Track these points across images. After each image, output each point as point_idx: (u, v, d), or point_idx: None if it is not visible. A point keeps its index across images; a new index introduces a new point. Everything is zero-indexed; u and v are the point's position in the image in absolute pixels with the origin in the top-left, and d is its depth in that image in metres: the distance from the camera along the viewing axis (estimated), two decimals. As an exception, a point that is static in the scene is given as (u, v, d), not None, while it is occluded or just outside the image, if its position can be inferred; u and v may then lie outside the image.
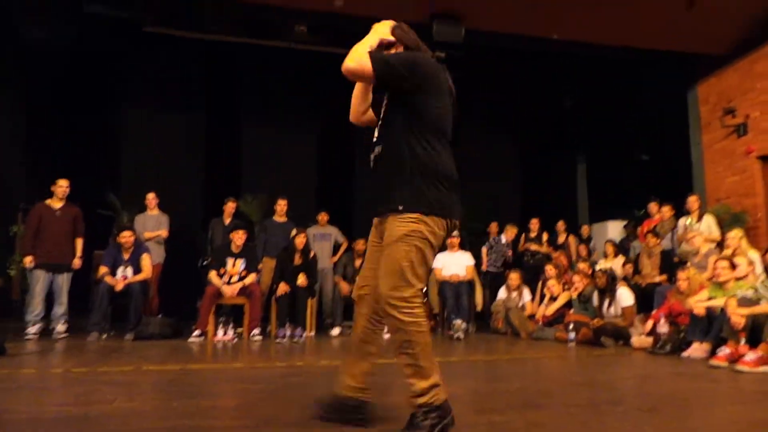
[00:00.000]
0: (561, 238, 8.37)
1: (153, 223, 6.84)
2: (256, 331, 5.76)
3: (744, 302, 4.10)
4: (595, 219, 9.68)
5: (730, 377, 3.47)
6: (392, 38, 2.12)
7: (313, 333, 6.36)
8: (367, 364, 2.19)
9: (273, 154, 9.38)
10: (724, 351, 3.94)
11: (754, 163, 7.25)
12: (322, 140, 9.84)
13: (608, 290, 5.84)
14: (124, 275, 5.85)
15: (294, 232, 6.47)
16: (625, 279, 6.56)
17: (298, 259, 6.29)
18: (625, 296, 5.73)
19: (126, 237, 5.96)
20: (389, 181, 2.04)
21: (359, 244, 6.95)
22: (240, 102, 9.39)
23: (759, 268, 5.41)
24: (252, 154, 9.52)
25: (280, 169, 9.13)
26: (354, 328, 2.24)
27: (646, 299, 6.15)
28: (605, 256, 7.39)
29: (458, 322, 6.21)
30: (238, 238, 6.07)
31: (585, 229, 8.81)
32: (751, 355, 3.66)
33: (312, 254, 6.52)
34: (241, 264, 6.04)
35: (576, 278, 6.36)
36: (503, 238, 8.15)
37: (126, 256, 5.96)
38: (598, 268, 6.60)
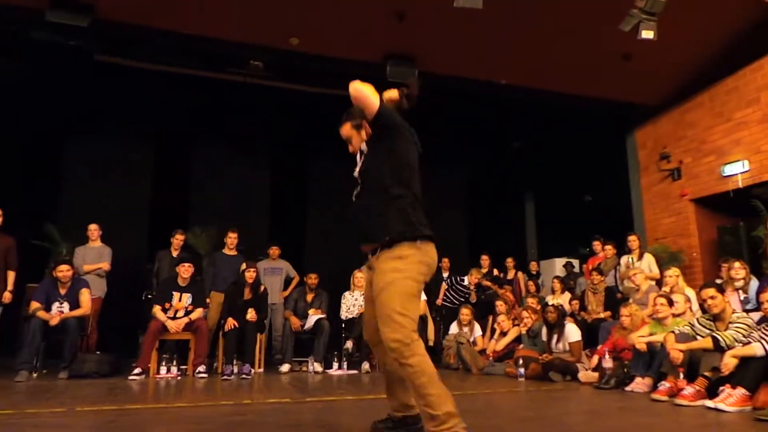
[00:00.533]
0: (510, 274, 8.56)
1: (94, 255, 6.55)
2: (202, 368, 5.54)
3: (682, 338, 4.27)
4: (543, 256, 9.96)
5: (670, 411, 3.59)
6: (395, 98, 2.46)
7: (261, 369, 6.18)
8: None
9: (223, 185, 9.23)
10: (665, 385, 4.08)
11: (688, 205, 7.71)
12: (275, 173, 9.77)
13: (557, 325, 5.97)
14: (59, 311, 5.53)
15: (244, 266, 6.35)
16: (572, 315, 6.73)
17: (247, 294, 6.16)
18: (573, 332, 5.86)
19: (63, 271, 5.64)
20: (372, 213, 2.34)
21: (311, 279, 6.87)
22: (190, 131, 9.23)
23: (695, 305, 5.68)
24: (201, 184, 9.33)
25: (231, 201, 8.98)
26: (381, 363, 2.56)
27: (591, 334, 6.33)
28: (553, 291, 7.58)
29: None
30: (184, 271, 5.90)
31: (533, 266, 9.02)
32: (689, 389, 3.80)
33: (262, 288, 6.41)
34: (187, 298, 5.85)
35: (525, 314, 6.48)
36: (466, 280, 8.16)
37: (63, 291, 5.64)
38: (549, 303, 6.75)
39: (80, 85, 7.68)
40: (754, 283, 5.51)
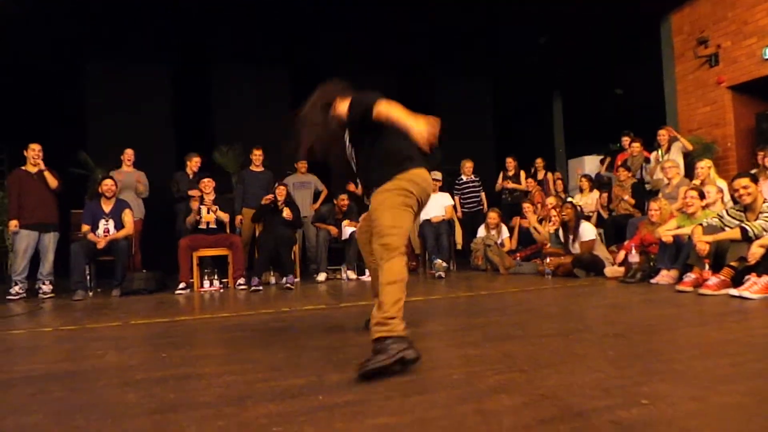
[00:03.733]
0: (540, 175, 8.51)
1: (129, 179, 6.76)
2: (242, 280, 5.85)
3: (709, 230, 4.27)
4: (572, 155, 9.79)
5: (694, 301, 3.68)
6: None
7: (298, 279, 6.49)
8: None
9: (245, 102, 9.19)
10: (690, 277, 4.15)
11: (725, 93, 7.33)
12: (296, 81, 9.62)
13: (573, 225, 5.94)
14: (105, 228, 5.82)
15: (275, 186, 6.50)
16: (605, 208, 6.75)
17: (283, 211, 6.31)
18: (587, 231, 5.84)
19: (108, 185, 5.91)
20: (366, 170, 2.56)
21: (342, 200, 6.95)
22: (209, 50, 9.07)
23: (726, 196, 5.60)
24: (224, 102, 9.31)
25: (254, 116, 8.98)
26: (367, 265, 2.94)
27: (619, 231, 6.36)
28: (581, 190, 7.54)
29: (439, 261, 6.38)
30: (205, 186, 6.08)
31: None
32: (713, 280, 3.86)
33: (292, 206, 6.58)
34: (214, 212, 6.04)
35: (553, 212, 6.50)
36: (463, 177, 8.16)
37: (107, 209, 5.91)
38: (573, 202, 6.74)
39: (94, 9, 7.51)
40: (791, 171, 5.36)
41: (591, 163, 8.77)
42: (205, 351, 2.80)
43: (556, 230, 6.37)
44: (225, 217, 6.06)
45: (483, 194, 8.16)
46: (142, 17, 7.56)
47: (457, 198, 8.10)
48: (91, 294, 5.73)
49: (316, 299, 4.78)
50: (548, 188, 8.26)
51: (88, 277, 5.84)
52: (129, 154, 6.86)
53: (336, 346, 2.63)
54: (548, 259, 5.87)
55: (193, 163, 6.97)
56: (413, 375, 2.04)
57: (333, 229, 6.72)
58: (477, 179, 8.15)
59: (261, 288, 5.67)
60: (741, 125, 7.30)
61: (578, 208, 6.44)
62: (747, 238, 3.94)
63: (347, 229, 6.69)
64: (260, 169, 7.08)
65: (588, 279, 5.43)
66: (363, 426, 1.55)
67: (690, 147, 6.69)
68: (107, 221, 5.86)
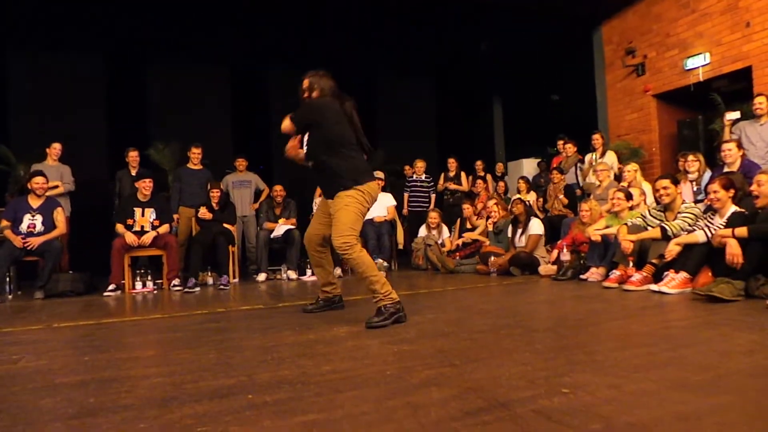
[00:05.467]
0: (480, 177, 8.71)
1: (54, 174, 6.40)
2: (176, 281, 5.66)
3: (633, 229, 4.52)
4: (511, 158, 10.10)
5: (619, 296, 3.87)
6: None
7: (236, 280, 6.35)
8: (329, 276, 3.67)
9: (182, 98, 8.91)
10: (615, 274, 4.37)
11: (651, 101, 7.78)
12: (236, 79, 9.43)
13: (523, 220, 6.14)
14: (31, 224, 5.48)
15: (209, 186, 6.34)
16: (535, 213, 6.97)
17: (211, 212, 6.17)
18: (535, 226, 6.06)
19: (39, 183, 5.56)
20: (325, 178, 3.25)
21: (277, 191, 6.91)
22: (143, 44, 8.73)
23: (650, 197, 5.93)
24: (159, 99, 8.98)
25: (192, 114, 8.72)
26: (310, 255, 3.61)
27: (554, 231, 6.60)
28: (518, 192, 7.78)
29: (380, 261, 6.41)
30: (144, 186, 5.83)
31: (499, 167, 9.19)
32: (636, 276, 4.08)
33: (228, 204, 6.44)
34: (151, 213, 5.82)
35: (494, 208, 6.62)
36: (414, 176, 8.27)
37: (35, 205, 5.56)
38: (521, 198, 6.93)
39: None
40: (708, 175, 5.73)
41: (529, 166, 9.08)
42: (132, 353, 2.69)
43: (494, 226, 6.51)
44: (164, 229, 5.83)
45: (434, 195, 8.24)
46: (76, 5, 7.19)
47: (406, 195, 8.18)
48: (11, 297, 5.38)
49: (253, 299, 4.69)
50: (489, 190, 8.48)
51: (8, 279, 5.48)
52: (56, 148, 6.53)
53: (269, 346, 2.59)
54: (492, 259, 6.01)
55: (131, 158, 6.74)
56: (346, 372, 2.04)
57: (270, 225, 6.65)
58: (429, 179, 8.25)
59: (197, 289, 5.51)
60: (664, 132, 7.77)
61: (527, 203, 6.63)
62: (666, 237, 4.18)
63: (281, 227, 6.61)
64: (198, 167, 6.88)
65: (523, 277, 5.60)
66: (291, 423, 1.53)
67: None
68: (33, 216, 5.51)
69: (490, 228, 6.59)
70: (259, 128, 9.29)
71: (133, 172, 6.68)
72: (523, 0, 7.72)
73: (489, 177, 8.69)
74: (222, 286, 5.62)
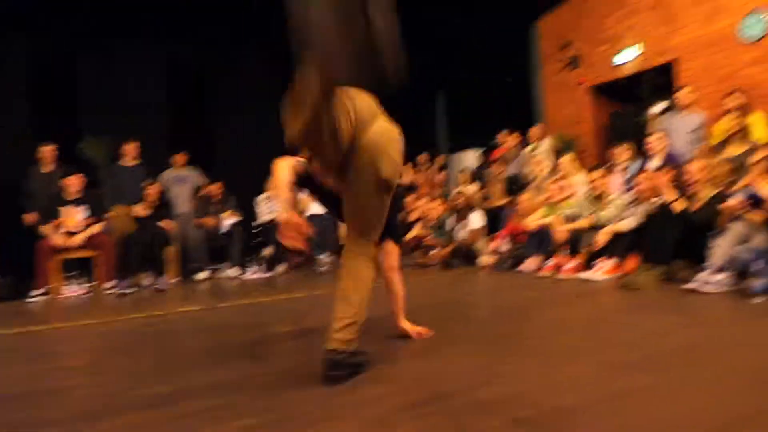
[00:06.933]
0: (423, 169, 8.81)
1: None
2: (111, 283, 5.42)
3: (568, 219, 4.70)
4: (455, 149, 10.26)
5: (552, 285, 4.03)
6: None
7: (176, 280, 6.16)
8: None
9: (117, 89, 8.48)
10: (550, 263, 4.54)
11: (585, 94, 8.09)
12: (174, 71, 9.07)
13: (464, 212, 6.25)
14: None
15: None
16: (475, 205, 7.14)
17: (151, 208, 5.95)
18: (475, 219, 6.21)
19: None
20: None
21: (214, 189, 6.72)
22: (71, 30, 8.22)
23: (583, 188, 6.18)
24: (89, 89, 8.51)
25: (125, 105, 8.31)
26: None
27: (494, 222, 6.77)
28: (460, 183, 7.92)
29: (322, 257, 6.40)
30: (73, 184, 5.52)
31: (440, 159, 9.33)
32: (569, 265, 4.26)
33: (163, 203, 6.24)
34: (80, 213, 5.52)
35: (433, 204, 6.74)
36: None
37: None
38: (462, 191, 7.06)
39: None
40: (637, 165, 6.03)
41: (472, 158, 9.26)
42: (63, 363, 2.57)
43: (437, 222, 6.61)
44: (96, 228, 5.55)
45: None
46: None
47: None
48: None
49: (193, 300, 4.57)
50: (431, 182, 8.58)
51: None
52: None
53: (208, 348, 2.54)
54: (431, 252, 6.10)
55: (47, 153, 6.23)
56: (287, 373, 2.03)
57: (209, 221, 6.48)
58: None
59: (132, 290, 5.31)
60: (598, 123, 8.11)
61: (468, 196, 6.76)
62: (597, 226, 4.38)
63: (226, 222, 6.46)
64: (133, 162, 6.60)
65: (463, 269, 5.73)
66: (228, 428, 1.52)
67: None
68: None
69: (431, 223, 6.69)
70: (197, 121, 9.00)
71: (46, 170, 6.21)
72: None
73: (433, 169, 8.79)
74: (158, 287, 5.42)
